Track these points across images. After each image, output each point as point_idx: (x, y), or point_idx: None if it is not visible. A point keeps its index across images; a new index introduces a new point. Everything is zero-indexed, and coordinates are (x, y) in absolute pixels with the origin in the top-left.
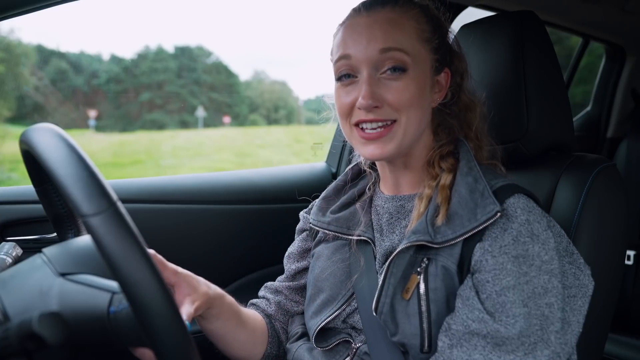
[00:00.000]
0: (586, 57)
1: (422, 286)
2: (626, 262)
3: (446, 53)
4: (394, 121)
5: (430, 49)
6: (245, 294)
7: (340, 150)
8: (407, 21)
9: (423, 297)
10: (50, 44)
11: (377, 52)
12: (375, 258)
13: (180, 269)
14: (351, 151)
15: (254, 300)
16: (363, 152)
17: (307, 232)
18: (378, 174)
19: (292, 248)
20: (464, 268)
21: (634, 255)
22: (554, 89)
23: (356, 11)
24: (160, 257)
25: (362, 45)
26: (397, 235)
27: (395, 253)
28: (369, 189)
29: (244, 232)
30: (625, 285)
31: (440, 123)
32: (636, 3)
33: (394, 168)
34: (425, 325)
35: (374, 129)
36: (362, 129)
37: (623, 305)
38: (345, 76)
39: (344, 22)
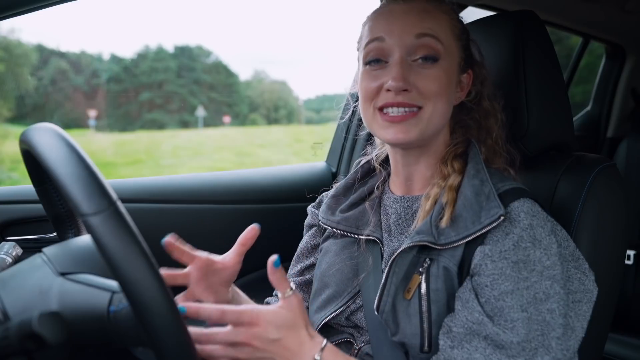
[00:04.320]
0: (586, 57)
1: (423, 286)
2: (626, 262)
3: (470, 56)
4: (420, 108)
5: (459, 45)
6: (246, 293)
7: (340, 150)
8: (442, 14)
9: (424, 298)
10: (50, 43)
11: (412, 37)
12: (382, 258)
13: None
14: (351, 151)
15: (269, 299)
16: (385, 136)
17: (316, 228)
18: (388, 173)
19: (301, 245)
20: (464, 269)
21: (634, 255)
22: (554, 89)
23: (391, 0)
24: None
25: (397, 29)
26: (405, 236)
27: (397, 252)
28: (378, 187)
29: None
30: (625, 285)
31: (457, 122)
32: (636, 3)
33: (408, 161)
34: (425, 326)
35: (400, 113)
36: (385, 113)
37: (623, 305)
38: (374, 61)
39: (377, 10)
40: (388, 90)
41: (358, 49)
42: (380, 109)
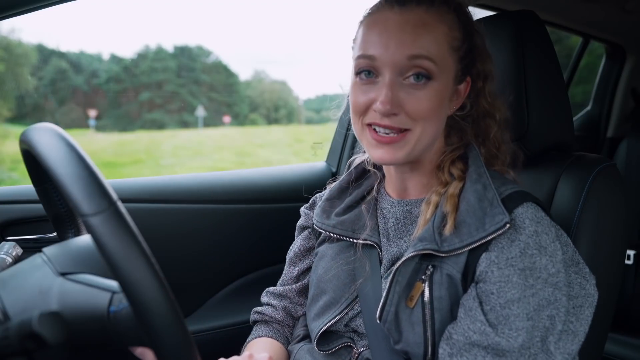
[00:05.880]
0: (586, 57)
1: (426, 294)
2: (626, 261)
3: (471, 58)
4: (408, 130)
5: (457, 58)
6: (246, 294)
7: (340, 150)
8: (440, 26)
9: (427, 306)
10: (50, 43)
11: (405, 58)
12: (380, 263)
13: None
14: (351, 150)
15: (259, 309)
16: (372, 155)
17: (310, 230)
18: (383, 174)
19: (295, 247)
20: (468, 277)
21: (634, 255)
22: (554, 89)
23: (389, 3)
24: None
25: (389, 49)
26: (404, 242)
27: (401, 261)
28: (374, 190)
29: (243, 231)
30: (625, 285)
31: (452, 126)
32: (636, 3)
33: (401, 171)
34: (429, 334)
35: (387, 133)
36: (374, 130)
37: (623, 305)
38: (365, 73)
39: (372, 12)
40: (376, 111)
41: (353, 48)
42: (369, 124)
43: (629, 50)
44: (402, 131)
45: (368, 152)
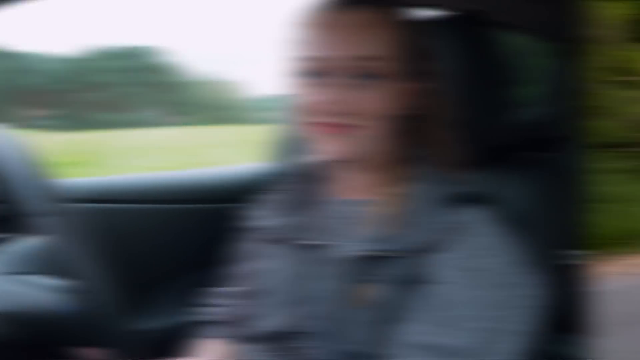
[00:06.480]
0: (535, 56)
1: (374, 295)
2: (573, 261)
3: (417, 58)
4: (356, 126)
5: (404, 58)
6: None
7: (289, 149)
8: (387, 24)
9: (375, 307)
10: None
11: (352, 59)
12: (327, 263)
13: None
14: (299, 150)
15: (206, 310)
16: (320, 149)
17: (254, 231)
18: (328, 175)
19: (239, 249)
20: (416, 278)
21: (581, 255)
22: (501, 89)
23: (331, 7)
24: None
25: (336, 50)
26: (351, 242)
27: (348, 262)
28: (318, 190)
29: (192, 233)
30: (572, 285)
31: (400, 127)
32: None
33: (348, 170)
34: (376, 335)
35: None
36: (320, 124)
37: (570, 305)
38: (310, 74)
39: (316, 12)
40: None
41: (293, 48)
42: (315, 123)
43: (574, 48)
44: (351, 128)
45: (315, 149)
